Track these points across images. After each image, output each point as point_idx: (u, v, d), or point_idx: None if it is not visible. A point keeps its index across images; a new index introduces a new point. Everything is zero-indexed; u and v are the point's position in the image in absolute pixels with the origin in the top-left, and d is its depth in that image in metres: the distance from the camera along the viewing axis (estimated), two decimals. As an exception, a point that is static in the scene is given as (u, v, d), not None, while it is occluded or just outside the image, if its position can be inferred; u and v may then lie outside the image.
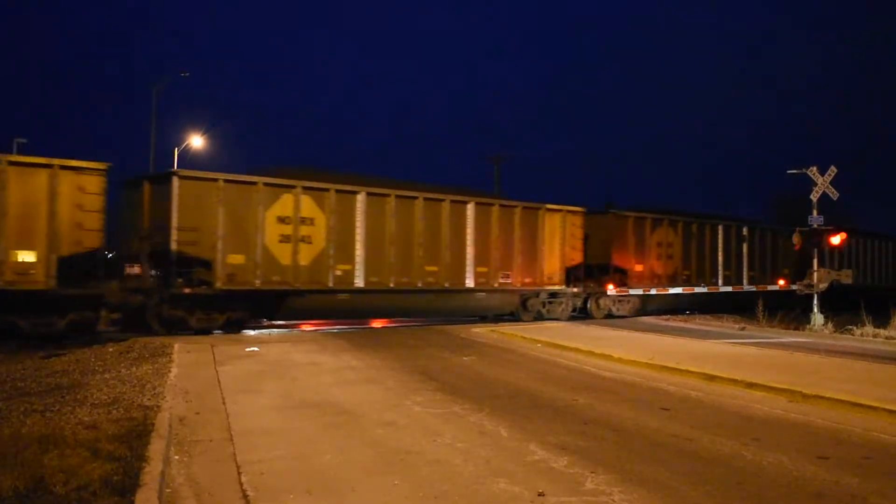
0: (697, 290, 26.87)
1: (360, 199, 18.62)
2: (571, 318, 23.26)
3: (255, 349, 14.00)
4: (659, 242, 25.67)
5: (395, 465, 6.26)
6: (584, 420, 8.18)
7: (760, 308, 22.74)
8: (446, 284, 20.25)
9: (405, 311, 21.13)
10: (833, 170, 23.06)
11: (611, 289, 24.07)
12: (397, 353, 14.01)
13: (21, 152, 15.41)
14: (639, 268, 24.92)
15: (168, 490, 5.47)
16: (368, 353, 13.70)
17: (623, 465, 6.29)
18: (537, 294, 22.53)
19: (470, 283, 20.72)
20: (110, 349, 13.30)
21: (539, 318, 22.50)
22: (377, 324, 20.39)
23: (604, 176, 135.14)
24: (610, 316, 24.35)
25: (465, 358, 13.49)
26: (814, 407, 9.02)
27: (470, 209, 20.73)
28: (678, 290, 26.19)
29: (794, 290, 24.44)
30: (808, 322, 22.09)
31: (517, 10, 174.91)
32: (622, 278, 24.58)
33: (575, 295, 23.50)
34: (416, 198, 19.68)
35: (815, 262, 23.37)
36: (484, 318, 22.26)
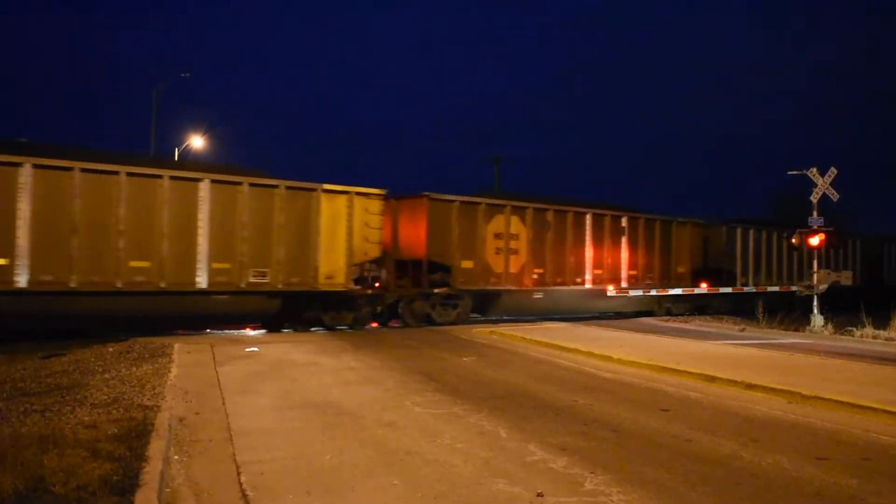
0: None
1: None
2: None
3: (255, 349, 14.01)
4: (497, 234, 21.25)
5: (394, 465, 6.27)
6: (583, 421, 8.19)
7: (760, 309, 22.76)
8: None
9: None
10: (833, 171, 23.06)
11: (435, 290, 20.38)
12: (397, 353, 14.02)
13: (21, 151, 15.40)
14: (467, 264, 20.61)
15: (167, 490, 5.48)
16: (368, 354, 13.71)
17: (622, 466, 6.30)
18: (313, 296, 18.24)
19: (203, 283, 16.27)
20: (110, 349, 13.31)
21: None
22: (376, 324, 20.37)
23: (604, 178, 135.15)
24: (430, 322, 20.28)
25: (464, 359, 13.50)
26: (813, 408, 9.03)
27: (203, 187, 16.29)
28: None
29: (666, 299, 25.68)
30: (808, 323, 22.10)
31: (517, 11, 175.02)
32: (444, 276, 20.47)
33: (371, 298, 19.37)
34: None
35: (816, 263, 23.38)
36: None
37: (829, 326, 21.25)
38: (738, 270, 27.65)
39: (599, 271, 23.62)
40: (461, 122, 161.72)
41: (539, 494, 5.45)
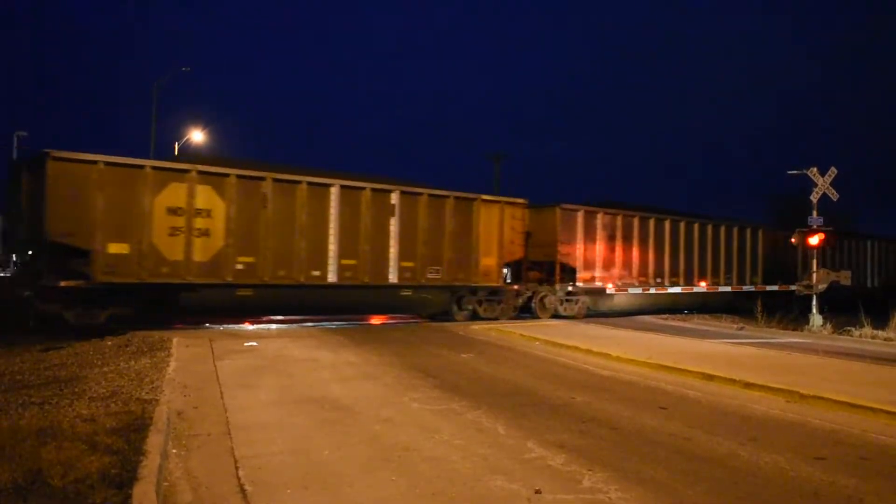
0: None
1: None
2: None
3: (254, 344, 14.00)
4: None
5: (392, 461, 6.26)
6: (581, 418, 8.19)
7: (759, 308, 22.77)
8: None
9: None
10: (833, 171, 23.07)
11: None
12: (395, 349, 14.01)
13: (21, 146, 15.44)
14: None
15: (165, 484, 5.48)
16: (366, 350, 13.71)
17: (620, 464, 6.30)
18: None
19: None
20: (109, 343, 13.31)
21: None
22: (375, 320, 20.37)
23: (604, 178, 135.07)
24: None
25: (463, 355, 13.50)
26: (811, 407, 9.04)
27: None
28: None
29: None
30: (807, 323, 22.11)
31: (517, 10, 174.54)
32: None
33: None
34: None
35: (815, 262, 23.39)
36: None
37: (828, 326, 21.27)
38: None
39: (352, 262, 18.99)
40: (461, 121, 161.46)
41: (537, 491, 5.45)
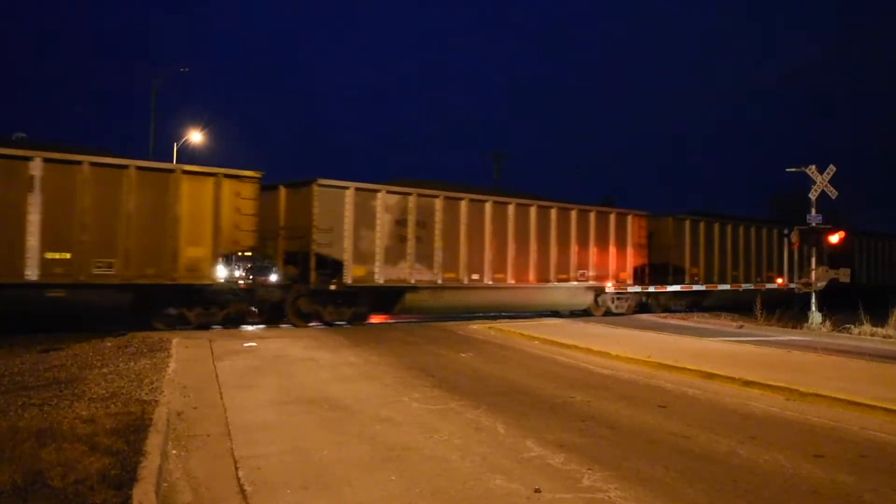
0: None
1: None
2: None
3: (253, 344, 14.00)
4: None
5: (391, 460, 6.27)
6: (581, 417, 8.19)
7: (758, 306, 22.77)
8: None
9: None
10: (832, 168, 23.07)
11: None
12: (395, 349, 14.02)
13: (21, 146, 15.43)
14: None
15: (165, 484, 5.48)
16: (366, 350, 13.71)
17: (620, 462, 6.30)
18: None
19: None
20: (108, 344, 13.30)
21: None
22: (375, 319, 20.37)
23: (602, 175, 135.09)
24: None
25: (462, 355, 13.50)
26: (811, 405, 9.04)
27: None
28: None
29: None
30: (807, 320, 22.11)
31: (517, 11, 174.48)
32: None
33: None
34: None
35: (814, 260, 23.39)
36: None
37: (828, 324, 21.27)
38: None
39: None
40: (460, 120, 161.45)
41: (536, 490, 5.46)
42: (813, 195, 23.17)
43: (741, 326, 21.51)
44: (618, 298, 24.75)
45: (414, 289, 19.64)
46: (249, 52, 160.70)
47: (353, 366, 11.73)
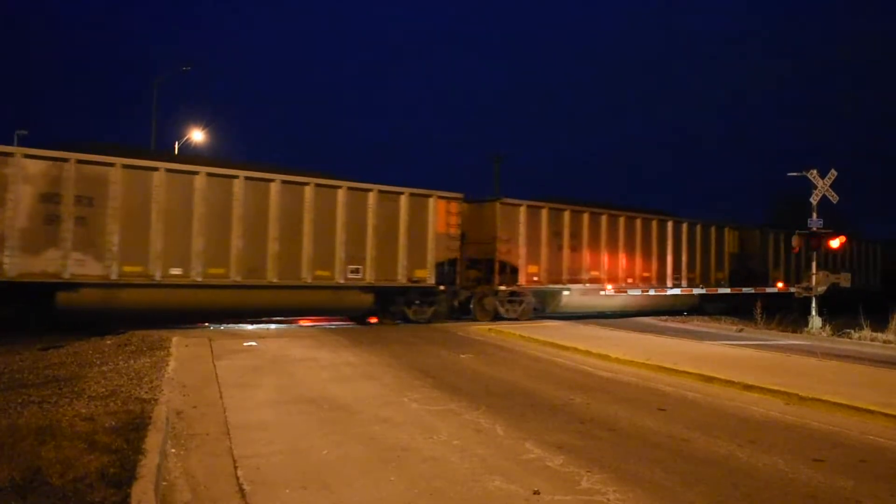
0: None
1: None
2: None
3: (253, 344, 14.01)
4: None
5: (390, 461, 6.27)
6: (580, 419, 8.19)
7: (759, 310, 22.76)
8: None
9: None
10: (833, 173, 23.06)
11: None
12: (394, 349, 14.02)
13: (21, 144, 15.39)
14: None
15: (164, 483, 5.48)
16: (366, 350, 13.71)
17: (619, 465, 6.30)
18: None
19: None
20: (108, 342, 13.30)
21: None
22: (375, 320, 20.36)
23: (602, 178, 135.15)
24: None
25: (462, 356, 13.50)
26: (810, 410, 9.04)
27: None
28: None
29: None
30: (807, 325, 22.10)
31: (517, 9, 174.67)
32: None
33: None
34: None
35: (814, 264, 23.38)
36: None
37: (828, 328, 21.26)
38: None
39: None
40: (460, 121, 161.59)
41: (535, 492, 5.46)
42: (814, 200, 23.17)
43: (741, 330, 21.50)
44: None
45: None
46: (249, 48, 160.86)
47: (352, 366, 11.74)
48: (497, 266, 21.36)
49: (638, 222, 25.10)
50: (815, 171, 23.26)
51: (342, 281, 18.39)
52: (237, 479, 5.67)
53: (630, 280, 24.77)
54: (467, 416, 8.14)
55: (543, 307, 23.41)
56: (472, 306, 21.39)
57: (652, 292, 25.29)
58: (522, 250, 21.78)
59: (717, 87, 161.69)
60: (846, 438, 7.64)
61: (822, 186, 23.09)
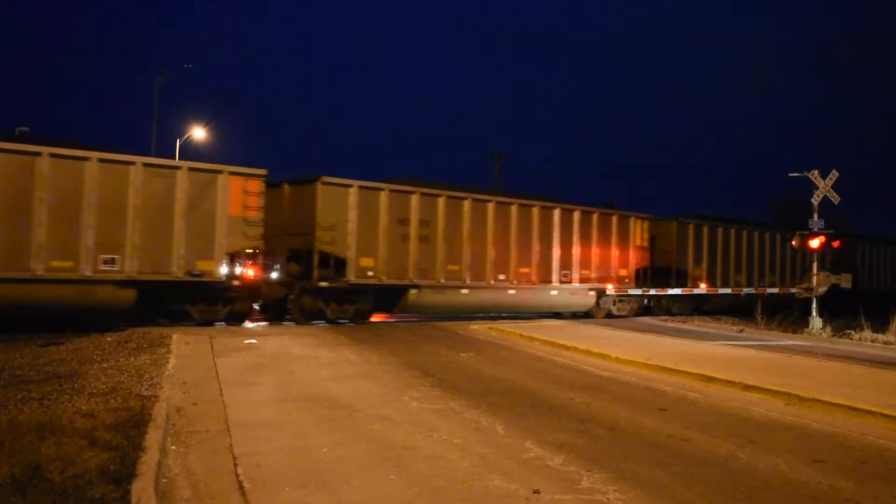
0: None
1: None
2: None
3: (254, 341, 14.00)
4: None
5: (390, 459, 6.27)
6: (580, 419, 8.19)
7: (759, 311, 22.75)
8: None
9: None
10: (835, 173, 23.04)
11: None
12: (395, 348, 14.01)
13: (23, 141, 15.37)
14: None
15: (164, 480, 5.48)
16: (366, 348, 13.71)
17: (619, 465, 6.29)
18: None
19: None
20: (108, 339, 13.32)
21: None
22: (376, 318, 20.36)
23: (602, 177, 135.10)
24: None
25: (462, 355, 13.50)
26: (810, 410, 9.04)
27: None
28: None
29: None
30: (807, 325, 22.10)
31: (516, 8, 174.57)
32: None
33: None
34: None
35: (815, 265, 23.36)
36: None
37: (828, 329, 21.25)
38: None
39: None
40: (461, 120, 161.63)
41: (535, 491, 5.45)
42: (815, 200, 23.15)
43: (741, 330, 21.49)
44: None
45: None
46: (250, 46, 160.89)
47: (353, 364, 11.74)
48: (317, 258, 17.75)
49: (514, 209, 21.42)
50: (816, 172, 23.25)
51: (89, 273, 14.90)
52: (237, 476, 5.67)
53: (502, 277, 21.13)
54: (467, 415, 8.14)
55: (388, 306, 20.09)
56: (289, 306, 18.43)
57: (529, 290, 21.89)
58: (352, 240, 18.16)
59: (718, 83, 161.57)
60: (846, 439, 7.64)
61: (824, 187, 23.07)
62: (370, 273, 18.50)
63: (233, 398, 8.59)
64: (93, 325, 15.00)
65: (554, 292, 22.69)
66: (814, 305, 22.66)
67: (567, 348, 14.61)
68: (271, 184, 17.87)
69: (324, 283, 17.84)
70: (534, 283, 21.95)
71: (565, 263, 22.73)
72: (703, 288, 26.68)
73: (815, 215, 23.00)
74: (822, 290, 22.90)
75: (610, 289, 23.98)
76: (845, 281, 23.57)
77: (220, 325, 16.81)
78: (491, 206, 20.99)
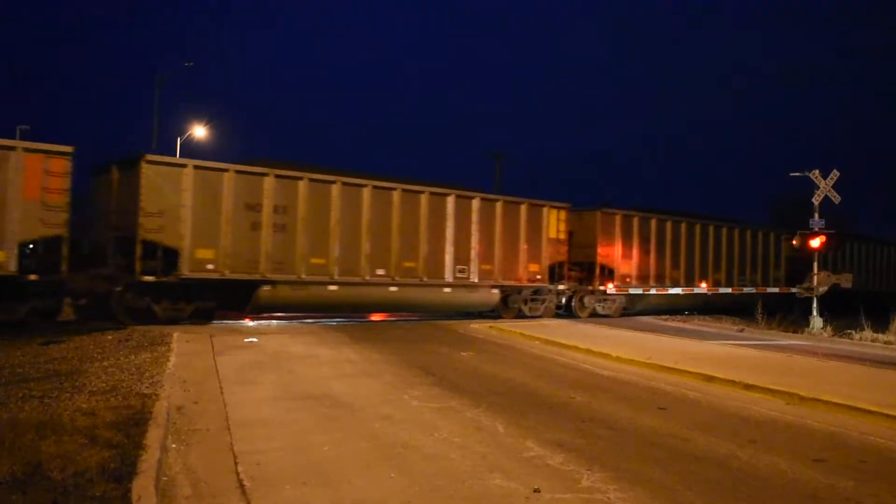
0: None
1: None
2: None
3: (254, 340, 14.01)
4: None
5: (391, 458, 6.27)
6: (580, 418, 8.19)
7: (760, 310, 22.76)
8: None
9: None
10: (835, 173, 23.04)
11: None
12: (395, 347, 14.01)
13: (24, 139, 15.36)
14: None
15: (164, 478, 5.48)
16: (367, 347, 13.71)
17: (619, 464, 6.30)
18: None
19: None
20: (109, 337, 13.31)
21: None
22: (376, 317, 20.37)
23: (601, 176, 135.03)
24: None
25: (463, 353, 13.50)
26: (811, 410, 9.03)
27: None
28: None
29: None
30: (808, 325, 22.10)
31: (515, 8, 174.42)
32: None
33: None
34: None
35: (816, 265, 23.36)
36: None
37: (828, 329, 21.25)
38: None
39: None
40: (461, 120, 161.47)
41: (535, 490, 5.45)
42: (816, 200, 23.15)
43: (742, 330, 21.50)
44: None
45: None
46: (250, 45, 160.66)
47: (353, 363, 11.74)
48: (139, 248, 15.44)
49: (395, 195, 19.21)
50: (817, 172, 23.25)
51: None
52: (237, 474, 5.67)
53: (381, 272, 18.88)
54: (468, 414, 8.14)
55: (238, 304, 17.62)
56: (111, 303, 15.90)
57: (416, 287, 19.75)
58: (185, 228, 15.87)
59: (718, 83, 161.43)
60: (847, 439, 7.64)
61: (825, 187, 23.07)
62: (210, 266, 16.11)
63: (233, 396, 8.60)
64: (93, 324, 14.98)
65: (447, 290, 20.24)
66: (814, 305, 22.66)
67: (568, 347, 14.60)
68: (100, 167, 16.63)
69: (149, 278, 15.50)
70: (422, 280, 19.60)
71: (462, 258, 20.29)
72: (633, 285, 24.69)
73: (816, 215, 23.00)
74: (823, 289, 22.91)
75: (517, 286, 21.69)
76: (846, 280, 23.59)
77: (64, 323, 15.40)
78: (367, 192, 18.54)
